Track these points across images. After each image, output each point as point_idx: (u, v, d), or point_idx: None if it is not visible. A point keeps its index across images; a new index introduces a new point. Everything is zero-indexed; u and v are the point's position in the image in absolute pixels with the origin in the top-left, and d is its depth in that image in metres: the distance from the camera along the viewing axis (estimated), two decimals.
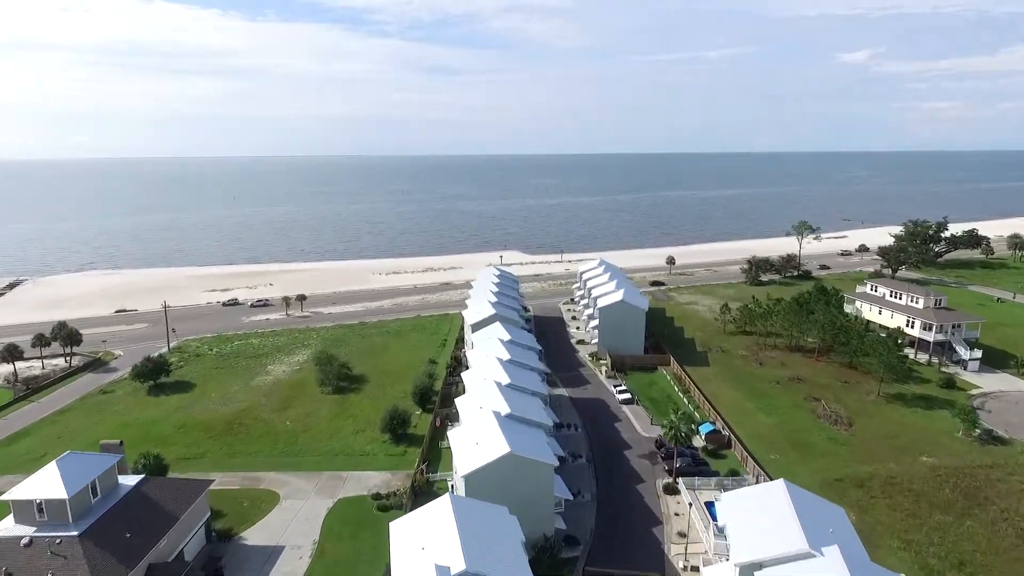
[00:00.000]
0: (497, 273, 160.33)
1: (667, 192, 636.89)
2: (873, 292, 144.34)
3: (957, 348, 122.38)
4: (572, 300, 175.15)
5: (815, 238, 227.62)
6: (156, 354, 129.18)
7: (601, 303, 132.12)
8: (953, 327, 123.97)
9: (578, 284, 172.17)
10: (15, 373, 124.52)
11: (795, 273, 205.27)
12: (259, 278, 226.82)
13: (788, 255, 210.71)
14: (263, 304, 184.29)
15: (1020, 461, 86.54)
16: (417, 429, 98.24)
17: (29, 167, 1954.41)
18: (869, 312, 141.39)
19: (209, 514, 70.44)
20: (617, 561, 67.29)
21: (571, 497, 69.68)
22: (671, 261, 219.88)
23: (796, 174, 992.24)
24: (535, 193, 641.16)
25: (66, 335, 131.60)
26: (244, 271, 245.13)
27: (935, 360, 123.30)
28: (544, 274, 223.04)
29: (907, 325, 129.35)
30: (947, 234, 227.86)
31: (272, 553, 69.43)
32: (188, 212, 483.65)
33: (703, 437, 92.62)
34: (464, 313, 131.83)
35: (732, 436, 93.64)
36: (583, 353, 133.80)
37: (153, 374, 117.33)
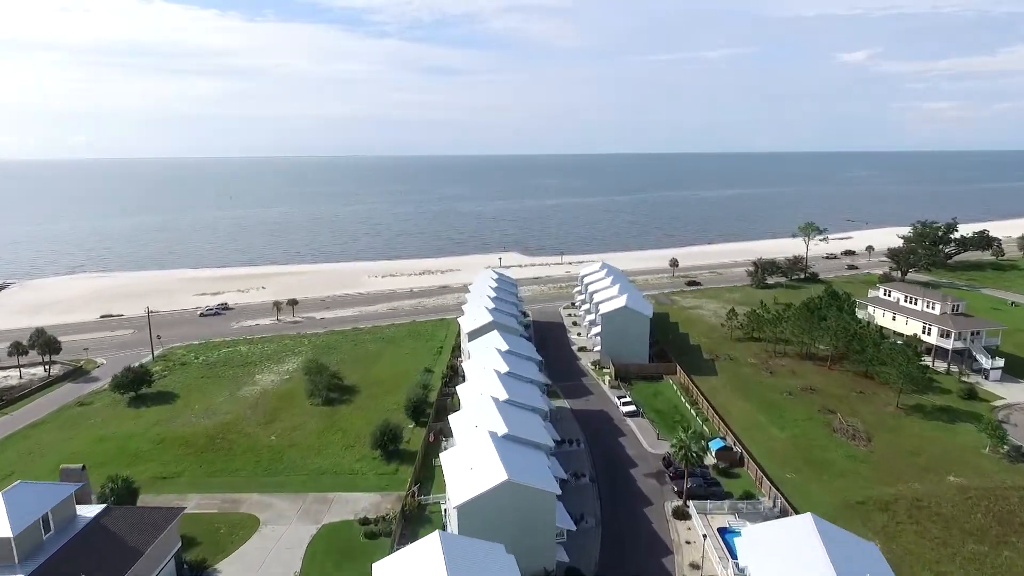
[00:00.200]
0: (495, 277, 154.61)
1: (668, 192, 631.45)
2: (886, 297, 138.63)
3: (978, 356, 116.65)
4: (573, 304, 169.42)
5: (822, 239, 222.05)
6: (138, 363, 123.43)
7: (603, 309, 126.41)
8: (973, 334, 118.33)
9: (579, 288, 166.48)
10: None
11: (802, 276, 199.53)
12: (251, 281, 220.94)
13: (795, 257, 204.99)
14: (216, 312, 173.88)
15: None
16: (410, 444, 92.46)
17: (27, 167, 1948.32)
18: (882, 318, 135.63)
19: (180, 544, 64.66)
20: None
21: (574, 527, 63.95)
22: (674, 263, 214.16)
23: (796, 174, 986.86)
24: (535, 194, 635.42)
25: (44, 343, 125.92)
26: (237, 274, 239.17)
27: (954, 369, 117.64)
28: (544, 277, 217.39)
29: (923, 332, 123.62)
30: (956, 235, 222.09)
31: None
32: (183, 213, 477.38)
33: (713, 454, 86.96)
34: (460, 320, 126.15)
35: (744, 453, 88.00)
36: (585, 361, 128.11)
37: (134, 385, 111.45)
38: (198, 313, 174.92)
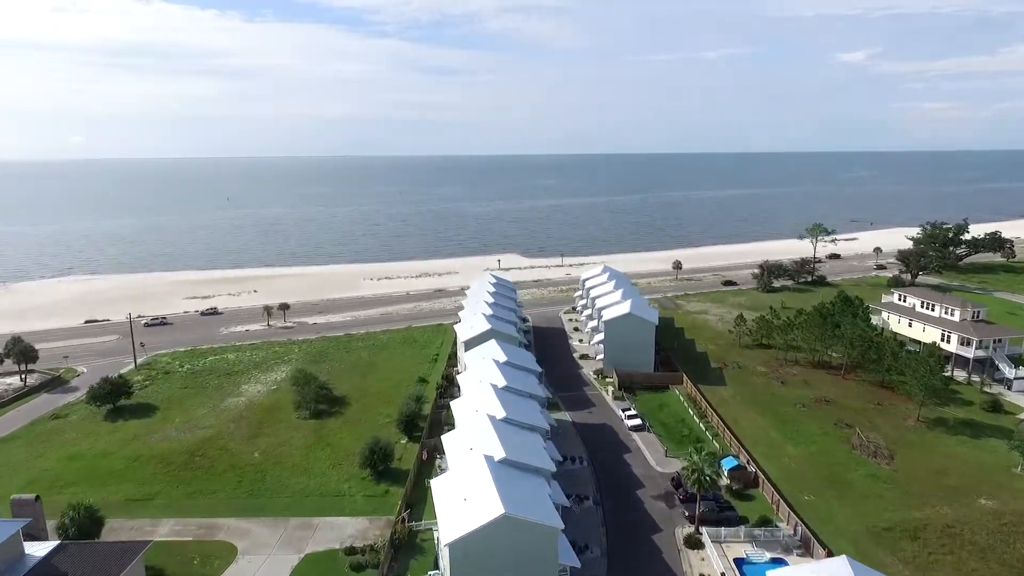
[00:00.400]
0: (493, 281, 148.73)
1: (669, 192, 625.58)
2: (901, 302, 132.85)
3: (1000, 366, 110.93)
4: (574, 308, 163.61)
5: (831, 241, 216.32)
6: (117, 373, 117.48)
7: (606, 315, 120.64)
8: (995, 342, 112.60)
9: (580, 292, 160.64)
10: None
11: (809, 279, 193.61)
12: (243, 284, 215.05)
13: (802, 259, 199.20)
14: (159, 323, 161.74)
15: None
16: (402, 462, 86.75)
17: (25, 167, 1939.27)
18: (897, 324, 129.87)
19: None
20: None
21: (578, 564, 58.00)
22: (677, 266, 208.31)
23: (797, 174, 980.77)
24: (534, 194, 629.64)
25: (20, 351, 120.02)
26: (229, 276, 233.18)
27: (975, 379, 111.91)
28: (544, 279, 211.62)
29: (942, 339, 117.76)
30: (967, 236, 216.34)
31: None
32: (178, 214, 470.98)
33: (726, 474, 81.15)
34: (457, 328, 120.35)
35: (759, 472, 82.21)
36: (587, 370, 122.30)
37: (111, 397, 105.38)
38: (142, 323, 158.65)
